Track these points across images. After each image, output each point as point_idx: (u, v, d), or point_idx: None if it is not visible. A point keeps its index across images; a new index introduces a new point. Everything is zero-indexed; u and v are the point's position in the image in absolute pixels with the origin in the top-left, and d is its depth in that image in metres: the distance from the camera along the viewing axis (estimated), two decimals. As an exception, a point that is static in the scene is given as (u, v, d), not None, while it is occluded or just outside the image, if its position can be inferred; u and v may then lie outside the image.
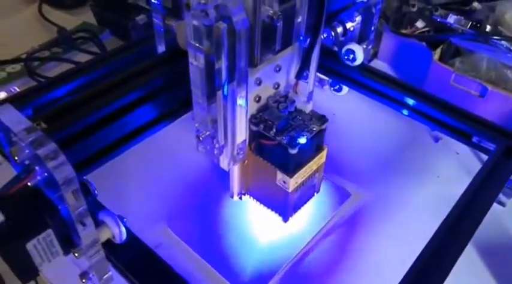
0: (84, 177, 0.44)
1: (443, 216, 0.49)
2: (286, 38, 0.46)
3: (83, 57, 0.86)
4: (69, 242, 0.41)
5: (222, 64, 0.39)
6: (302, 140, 0.46)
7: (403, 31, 0.82)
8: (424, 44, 0.79)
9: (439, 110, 0.63)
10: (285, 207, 0.52)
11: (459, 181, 0.63)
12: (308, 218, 0.60)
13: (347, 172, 0.68)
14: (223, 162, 0.47)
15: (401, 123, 0.75)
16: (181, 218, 0.60)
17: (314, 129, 0.47)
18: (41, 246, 0.40)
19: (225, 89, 0.41)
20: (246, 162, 0.51)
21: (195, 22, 0.37)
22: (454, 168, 0.70)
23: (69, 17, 0.99)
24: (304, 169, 0.49)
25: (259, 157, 0.49)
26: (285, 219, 0.54)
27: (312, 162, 0.50)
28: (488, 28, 0.75)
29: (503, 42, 0.73)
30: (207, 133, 0.44)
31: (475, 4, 0.78)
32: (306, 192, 0.54)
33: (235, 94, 0.42)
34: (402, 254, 0.52)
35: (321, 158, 0.51)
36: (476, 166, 0.68)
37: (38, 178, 0.37)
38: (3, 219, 0.38)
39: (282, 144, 0.46)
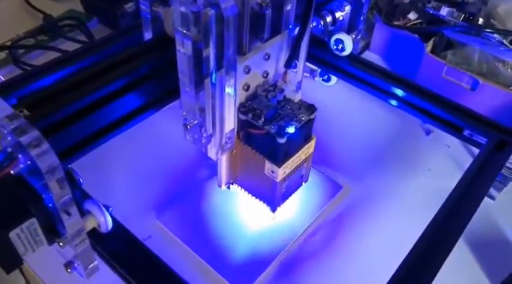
0: (69, 166, 0.44)
1: (434, 209, 0.50)
2: (275, 26, 0.45)
3: (69, 45, 0.85)
4: (53, 232, 0.41)
5: (210, 51, 0.39)
6: (290, 129, 0.46)
7: (396, 23, 0.82)
8: (416, 35, 0.80)
9: (431, 103, 0.64)
10: (273, 197, 0.53)
11: (450, 175, 0.64)
12: (299, 211, 0.61)
13: (338, 164, 0.69)
14: (211, 151, 0.47)
15: (393, 115, 0.76)
16: (171, 211, 0.61)
17: (303, 118, 0.48)
18: (25, 235, 0.39)
19: (213, 77, 0.41)
20: (234, 151, 0.51)
21: (182, 8, 0.37)
22: (445, 161, 0.71)
23: (55, 4, 0.98)
24: (292, 159, 0.49)
25: (248, 146, 0.49)
26: (273, 209, 0.54)
27: (300, 152, 0.50)
28: (480, 21, 0.75)
29: (495, 35, 0.73)
30: (195, 121, 0.44)
31: (468, -4, 0.78)
32: (294, 182, 0.54)
33: (223, 82, 0.42)
34: (394, 247, 0.52)
35: (310, 148, 0.52)
36: (467, 160, 0.69)
37: (21, 166, 0.37)
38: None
39: (271, 134, 0.46)
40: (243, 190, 0.56)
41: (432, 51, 0.78)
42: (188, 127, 0.44)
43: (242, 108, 0.47)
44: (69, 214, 0.39)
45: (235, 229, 0.59)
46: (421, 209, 0.59)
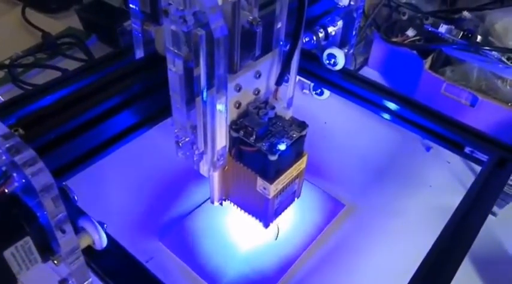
0: (64, 183, 0.45)
1: (437, 227, 0.51)
2: (266, 44, 0.47)
3: (68, 63, 0.87)
4: (48, 250, 0.42)
5: (201, 71, 0.41)
6: (282, 147, 0.48)
7: (394, 39, 0.85)
8: (415, 52, 0.82)
9: (432, 120, 0.66)
10: (265, 213, 0.54)
11: (452, 191, 0.66)
12: (301, 230, 0.62)
13: (340, 182, 0.70)
14: (203, 168, 0.49)
15: (393, 131, 0.77)
16: (173, 232, 0.62)
17: (294, 135, 0.49)
18: (19, 254, 0.40)
19: (204, 96, 0.42)
20: (227, 168, 0.52)
21: (173, 28, 0.39)
22: (446, 178, 0.72)
23: (54, 22, 1.01)
24: (284, 175, 0.51)
25: (240, 163, 0.51)
26: (266, 225, 0.55)
27: (292, 168, 0.51)
28: (478, 38, 0.77)
29: (493, 52, 0.75)
30: (187, 139, 0.45)
31: (465, 13, 0.81)
32: (287, 198, 0.55)
33: (214, 100, 0.43)
34: (397, 267, 0.54)
35: (302, 164, 0.53)
36: (468, 176, 0.71)
37: (16, 184, 0.38)
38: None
39: (262, 151, 0.48)
40: (235, 206, 0.58)
41: (430, 68, 0.80)
42: (180, 144, 0.45)
43: (234, 126, 0.49)
44: (63, 231, 0.40)
45: (237, 250, 0.60)
46: (424, 227, 0.61)
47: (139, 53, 0.55)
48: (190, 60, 0.40)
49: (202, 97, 0.43)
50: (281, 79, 0.50)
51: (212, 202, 0.57)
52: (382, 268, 0.60)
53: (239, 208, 0.57)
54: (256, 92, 0.50)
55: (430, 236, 0.50)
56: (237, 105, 0.49)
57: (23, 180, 0.37)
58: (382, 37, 0.85)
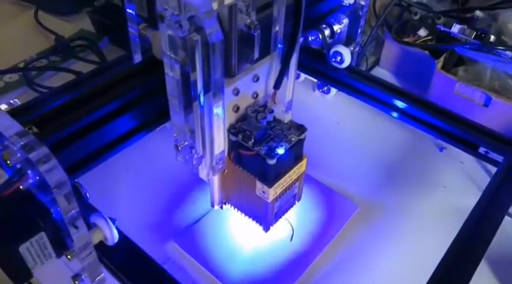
0: (76, 180, 0.48)
1: (453, 229, 0.54)
2: (264, 47, 0.50)
3: (81, 66, 0.93)
4: (61, 245, 0.46)
5: (197, 75, 0.44)
6: (280, 150, 0.51)
7: (406, 39, 0.88)
8: (427, 52, 0.85)
9: (445, 120, 0.69)
10: (265, 217, 0.57)
11: (466, 192, 0.69)
12: (315, 233, 0.66)
13: (353, 183, 0.74)
14: (202, 172, 0.52)
15: (406, 132, 0.81)
16: (189, 234, 0.65)
17: (292, 139, 0.53)
18: (34, 249, 0.44)
19: (201, 100, 0.46)
20: (226, 171, 0.56)
21: (169, 32, 0.42)
22: (459, 178, 0.76)
23: (66, 24, 1.07)
24: (283, 179, 0.54)
25: (239, 167, 0.54)
26: (266, 229, 0.59)
27: (291, 172, 0.55)
28: (491, 38, 0.80)
29: (507, 52, 0.78)
30: (186, 143, 0.49)
31: (477, 12, 0.84)
32: (287, 201, 0.59)
33: (211, 105, 0.46)
34: (412, 269, 0.57)
35: (301, 167, 0.56)
36: (482, 176, 0.75)
37: (30, 181, 0.41)
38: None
39: (261, 155, 0.51)
40: (236, 209, 0.61)
41: (443, 68, 0.84)
42: (179, 148, 0.49)
43: (232, 130, 0.52)
44: (76, 227, 0.43)
45: (252, 251, 0.63)
46: (438, 228, 0.65)
47: (137, 58, 0.58)
48: (187, 65, 0.43)
49: (200, 102, 0.46)
50: (279, 83, 0.54)
51: (212, 206, 0.60)
52: (397, 270, 0.63)
53: (239, 212, 0.61)
54: (255, 96, 0.54)
55: (444, 237, 0.52)
56: (236, 108, 0.52)
57: (37, 177, 0.40)
58: (393, 37, 0.89)
